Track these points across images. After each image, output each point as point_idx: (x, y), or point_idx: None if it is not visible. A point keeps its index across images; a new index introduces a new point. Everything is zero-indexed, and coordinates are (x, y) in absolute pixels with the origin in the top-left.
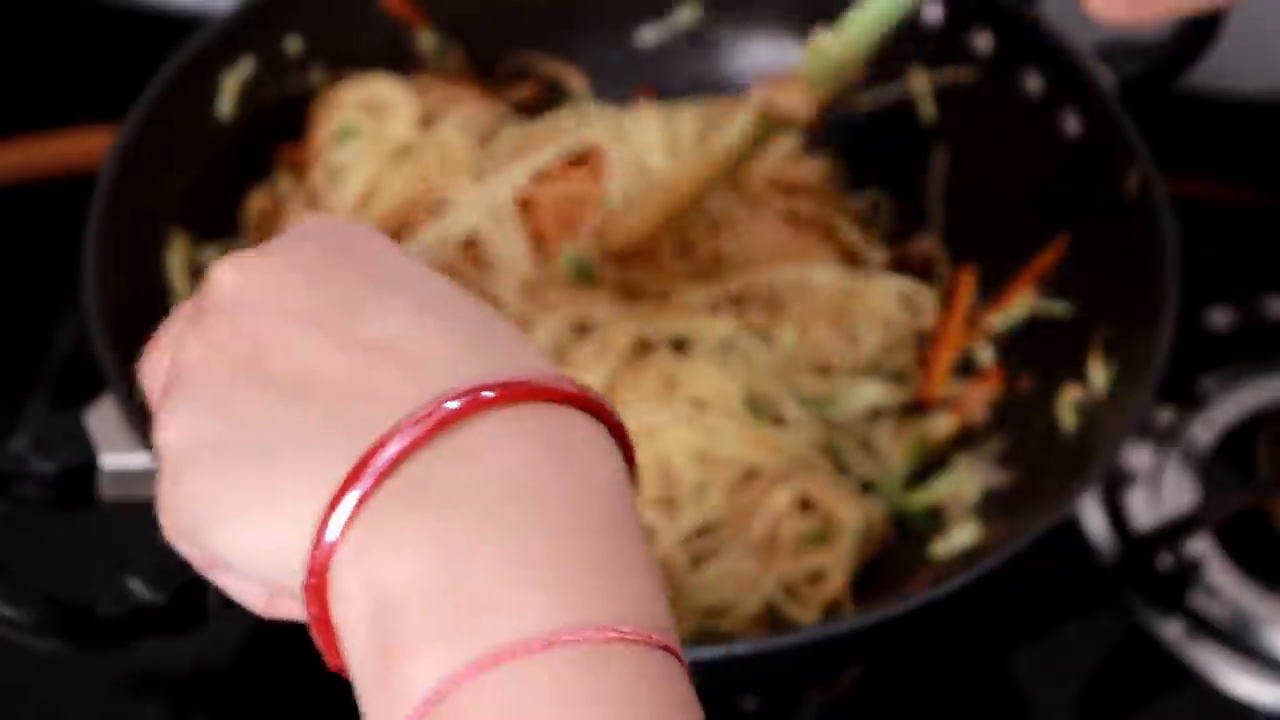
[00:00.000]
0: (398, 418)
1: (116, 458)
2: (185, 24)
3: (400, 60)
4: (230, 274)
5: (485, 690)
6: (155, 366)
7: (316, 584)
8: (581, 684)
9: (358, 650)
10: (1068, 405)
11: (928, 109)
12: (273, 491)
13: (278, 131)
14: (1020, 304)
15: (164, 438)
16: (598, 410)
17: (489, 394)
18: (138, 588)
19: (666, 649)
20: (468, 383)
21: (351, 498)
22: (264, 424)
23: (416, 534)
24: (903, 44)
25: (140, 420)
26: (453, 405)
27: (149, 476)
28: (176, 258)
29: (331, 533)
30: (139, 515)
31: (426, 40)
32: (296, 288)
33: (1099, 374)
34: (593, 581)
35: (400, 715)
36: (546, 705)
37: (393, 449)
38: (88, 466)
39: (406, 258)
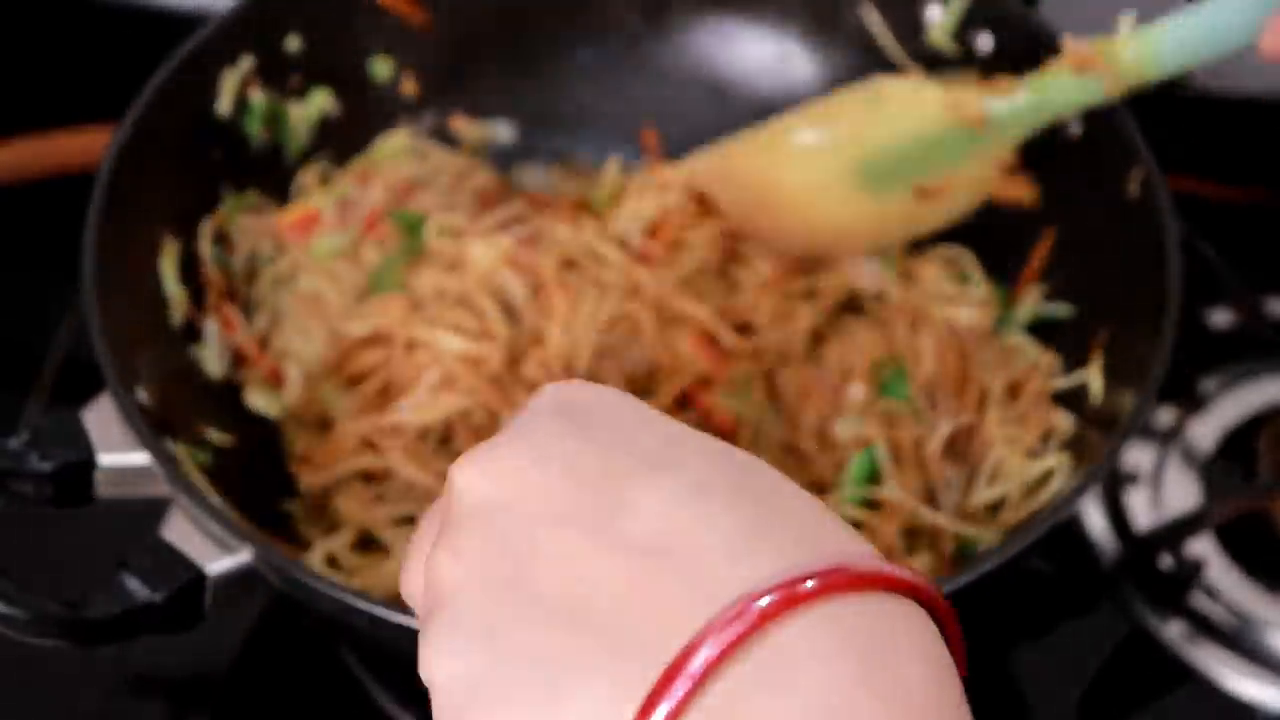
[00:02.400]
0: (689, 630)
1: (114, 456)
2: (185, 23)
3: (399, 59)
4: (474, 476)
5: None
6: (414, 579)
7: None
8: None
9: None
10: (1070, 405)
11: None
12: (550, 710)
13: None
14: (1026, 309)
15: (433, 677)
16: (918, 591)
17: (806, 585)
18: (134, 586)
19: None
20: (770, 578)
21: (661, 712)
22: (540, 654)
23: None
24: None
25: (137, 420)
26: (764, 603)
27: (145, 475)
28: (168, 262)
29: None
30: (136, 514)
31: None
32: (548, 483)
33: (1100, 374)
34: None
35: None
36: None
37: (703, 655)
38: (85, 465)
39: (663, 420)
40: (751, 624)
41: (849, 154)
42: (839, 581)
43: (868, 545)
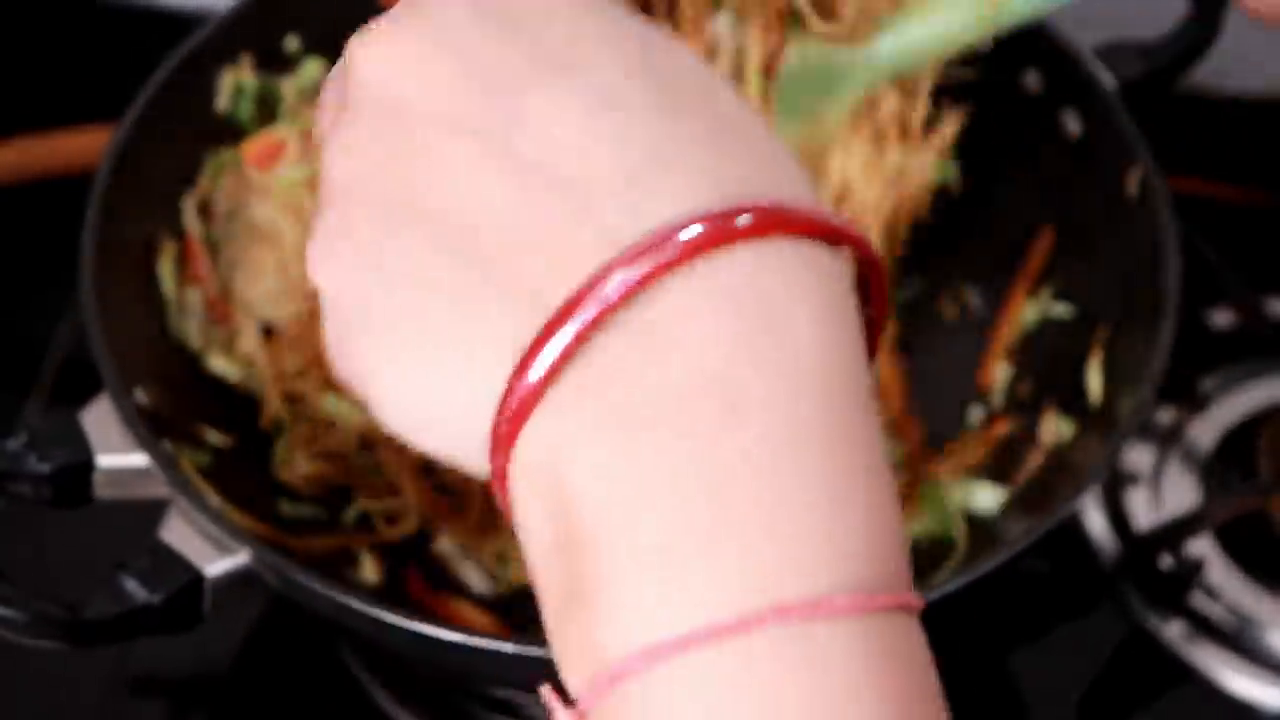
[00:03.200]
0: (578, 273)
1: (112, 457)
2: (185, 23)
3: None
4: (371, 59)
5: (685, 674)
6: (323, 117)
7: (507, 432)
8: (801, 678)
9: (538, 566)
10: (1069, 406)
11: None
12: (439, 351)
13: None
14: (1030, 310)
15: (320, 281)
16: (846, 238)
17: (739, 222)
18: (133, 587)
19: (901, 608)
20: (690, 212)
21: (566, 331)
22: (427, 283)
23: (618, 437)
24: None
25: (136, 421)
26: (689, 235)
27: (144, 476)
28: (167, 262)
29: (530, 376)
30: (135, 515)
31: None
32: (446, 77)
33: (1099, 374)
34: (813, 537)
35: (584, 675)
36: (759, 697)
37: (608, 289)
38: (84, 466)
39: (587, 7)
40: (672, 258)
41: None
42: (771, 222)
43: (807, 185)
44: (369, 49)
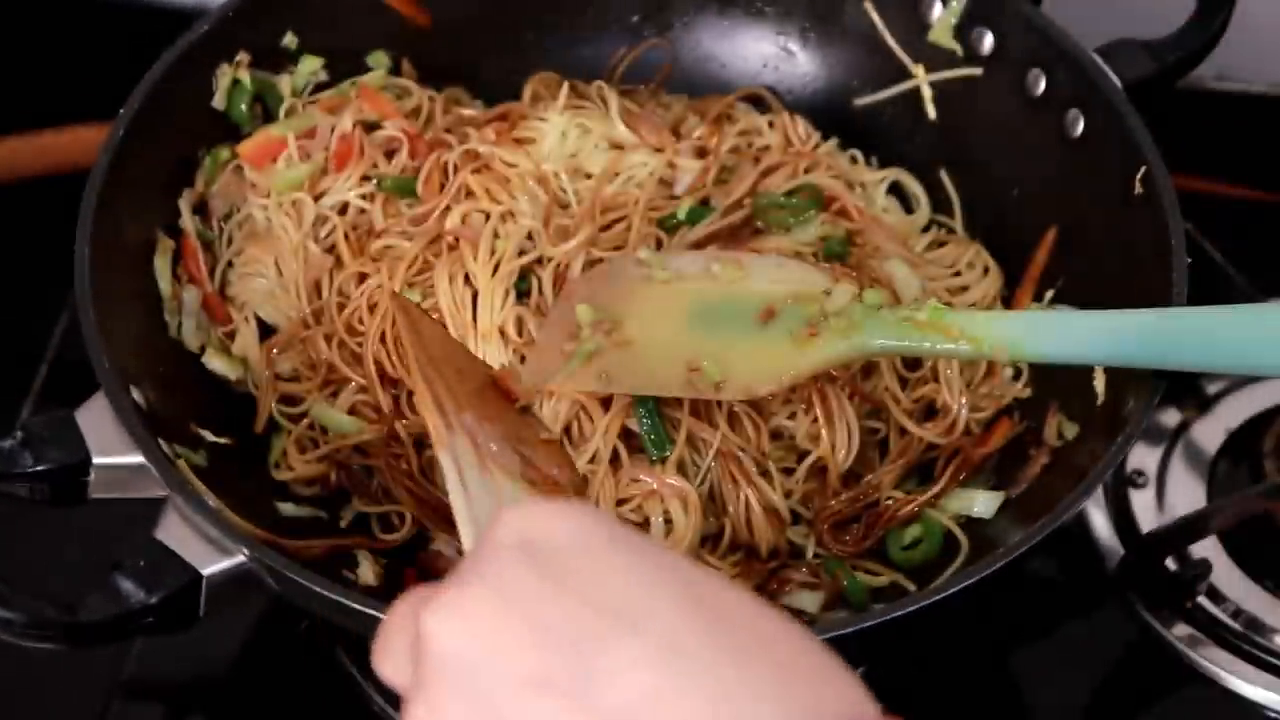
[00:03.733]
0: None
1: (108, 457)
2: (180, 19)
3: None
4: (444, 632)
5: None
6: (383, 661)
7: None
8: None
9: None
10: (1073, 407)
11: (930, 108)
12: None
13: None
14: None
15: None
16: None
17: None
18: (129, 588)
19: None
20: None
21: None
22: None
23: None
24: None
25: (131, 420)
26: None
27: (140, 475)
28: (162, 260)
29: None
30: (130, 515)
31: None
32: (520, 640)
33: (1103, 375)
34: None
35: None
36: None
37: None
38: (80, 466)
39: (633, 550)
40: None
41: (686, 295)
42: None
43: (860, 687)
44: (441, 621)
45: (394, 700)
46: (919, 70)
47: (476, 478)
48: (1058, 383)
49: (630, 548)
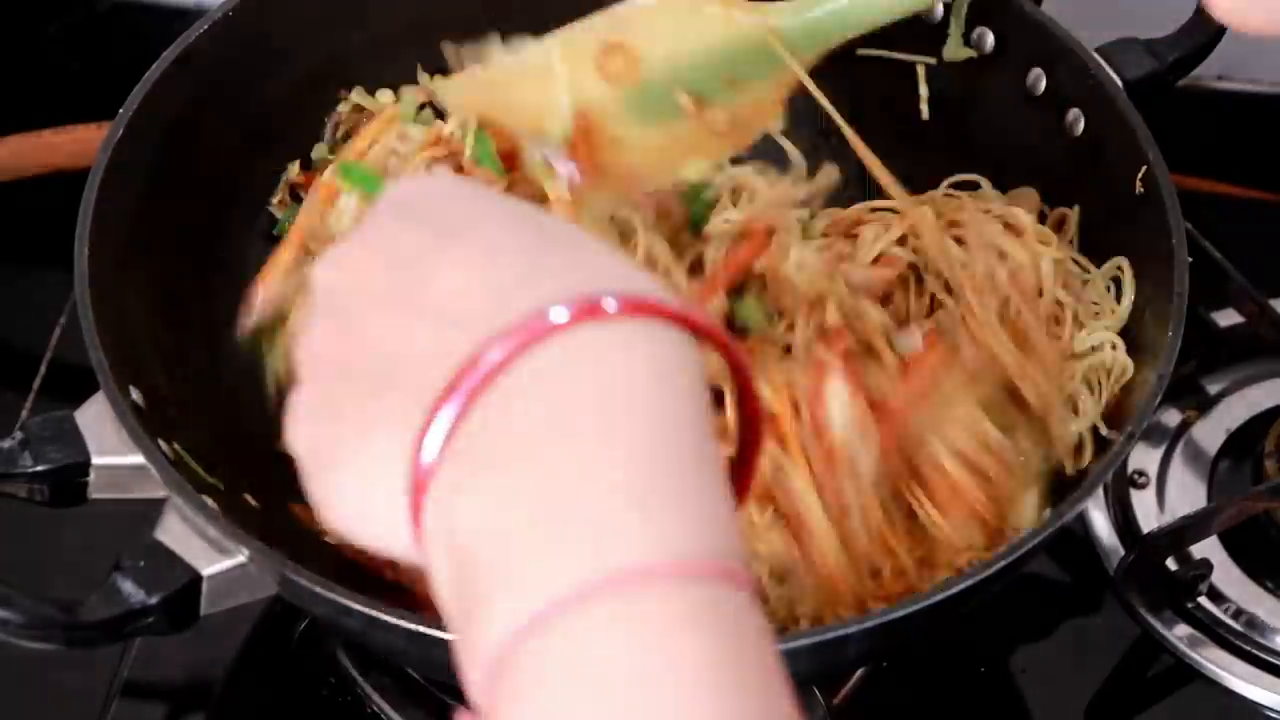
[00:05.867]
0: (455, 367)
1: (108, 457)
2: (180, 18)
3: (394, 58)
4: (321, 273)
5: (553, 639)
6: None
7: (415, 508)
8: (631, 638)
9: (448, 611)
10: (1074, 406)
11: (925, 107)
12: (366, 469)
13: (272, 125)
14: None
15: (291, 442)
16: (677, 317)
17: (605, 304)
18: (129, 588)
19: (725, 575)
20: (519, 316)
21: (445, 414)
22: (355, 417)
23: (487, 481)
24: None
25: (131, 420)
26: (555, 314)
27: (140, 476)
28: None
29: (425, 457)
30: (130, 516)
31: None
32: (373, 267)
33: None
34: (649, 519)
35: (478, 682)
36: (621, 649)
37: (485, 362)
38: (79, 466)
39: (477, 193)
40: (538, 331)
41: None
42: (630, 306)
43: (657, 283)
44: (320, 267)
45: (394, 700)
46: (918, 70)
47: None
48: None
49: (480, 191)
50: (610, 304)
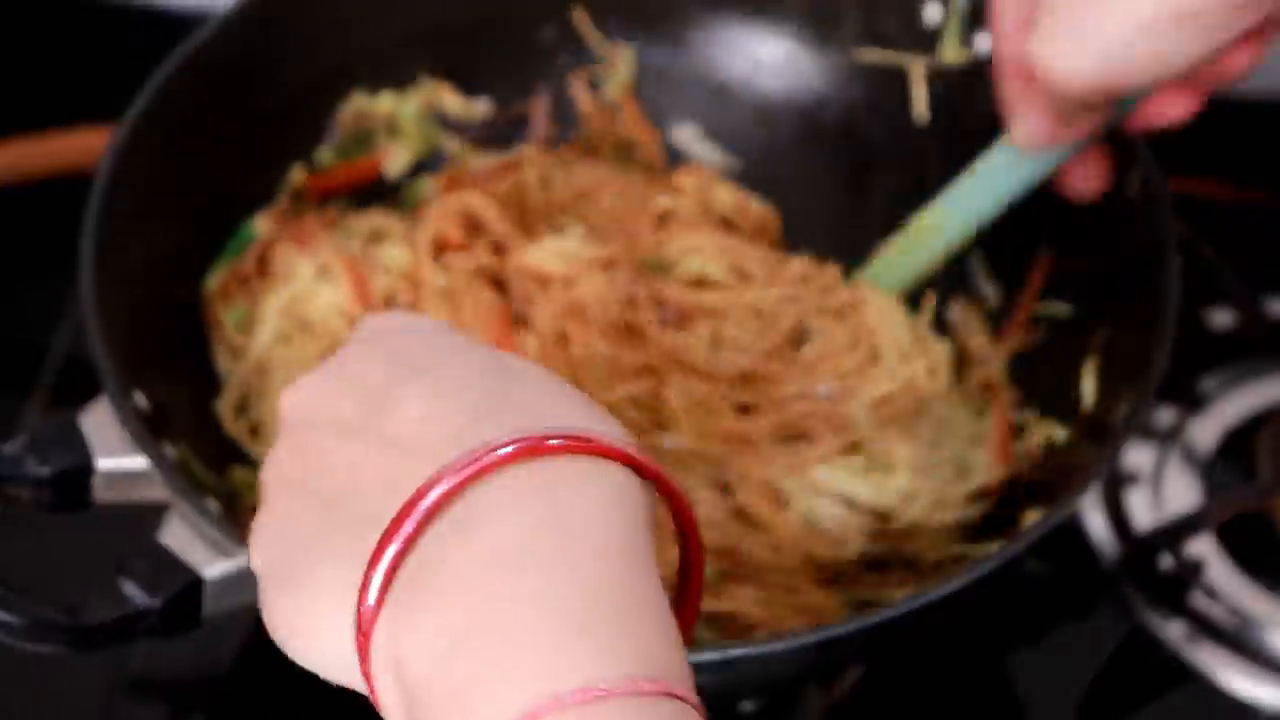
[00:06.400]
0: (404, 498)
1: (111, 460)
2: (184, 22)
3: (396, 61)
4: (291, 399)
5: None
6: None
7: (363, 641)
8: None
9: None
10: (1063, 411)
11: (922, 109)
12: (316, 598)
13: (276, 129)
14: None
15: (254, 559)
16: (632, 462)
17: (491, 457)
18: (132, 591)
19: (671, 695)
20: (467, 451)
21: (388, 554)
22: (308, 538)
23: (432, 615)
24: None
25: (135, 424)
26: (501, 452)
27: (143, 479)
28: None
29: (369, 597)
30: (133, 518)
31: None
32: (338, 397)
33: (1094, 376)
34: (594, 643)
35: None
36: None
37: (432, 495)
38: (83, 469)
39: (447, 335)
40: (484, 466)
41: None
42: (575, 444)
43: (615, 426)
44: (291, 392)
45: None
46: (916, 71)
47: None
48: (1048, 387)
49: (442, 331)
50: (556, 441)
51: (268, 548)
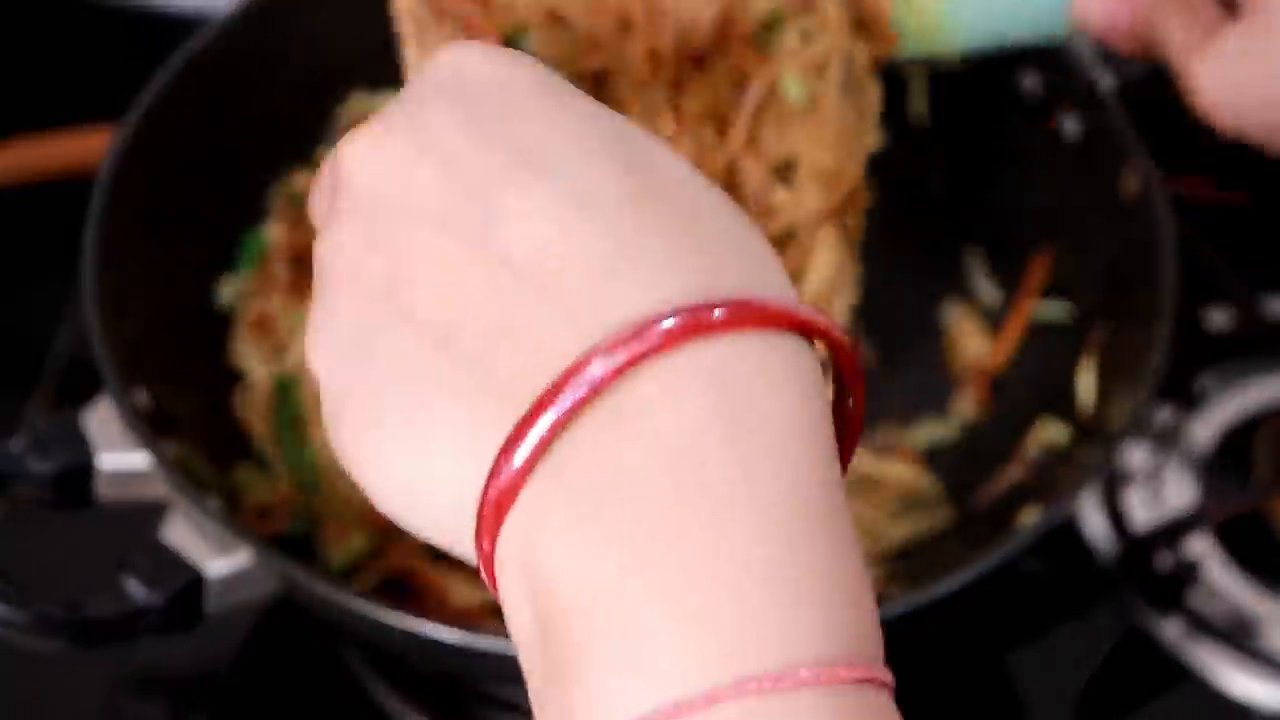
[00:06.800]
0: (553, 370)
1: (114, 458)
2: (185, 24)
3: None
4: (359, 160)
5: None
6: (316, 202)
7: (491, 519)
8: None
9: (521, 647)
10: (1062, 410)
11: (920, 108)
12: (426, 435)
13: (277, 131)
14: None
15: (315, 365)
16: (818, 331)
17: (714, 315)
18: (134, 588)
19: (868, 681)
20: (625, 322)
21: (543, 422)
22: (407, 376)
23: (595, 525)
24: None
25: (136, 421)
26: (667, 325)
27: (145, 477)
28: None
29: (515, 459)
30: (135, 516)
31: None
32: (429, 179)
33: (1091, 376)
34: (778, 614)
35: None
36: None
37: (586, 376)
38: (85, 467)
39: (564, 106)
40: (652, 346)
41: None
42: (743, 316)
43: (779, 274)
44: (357, 151)
45: (399, 697)
46: (916, 70)
47: (433, 31)
48: (1046, 386)
49: (561, 97)
50: (720, 313)
51: (336, 357)
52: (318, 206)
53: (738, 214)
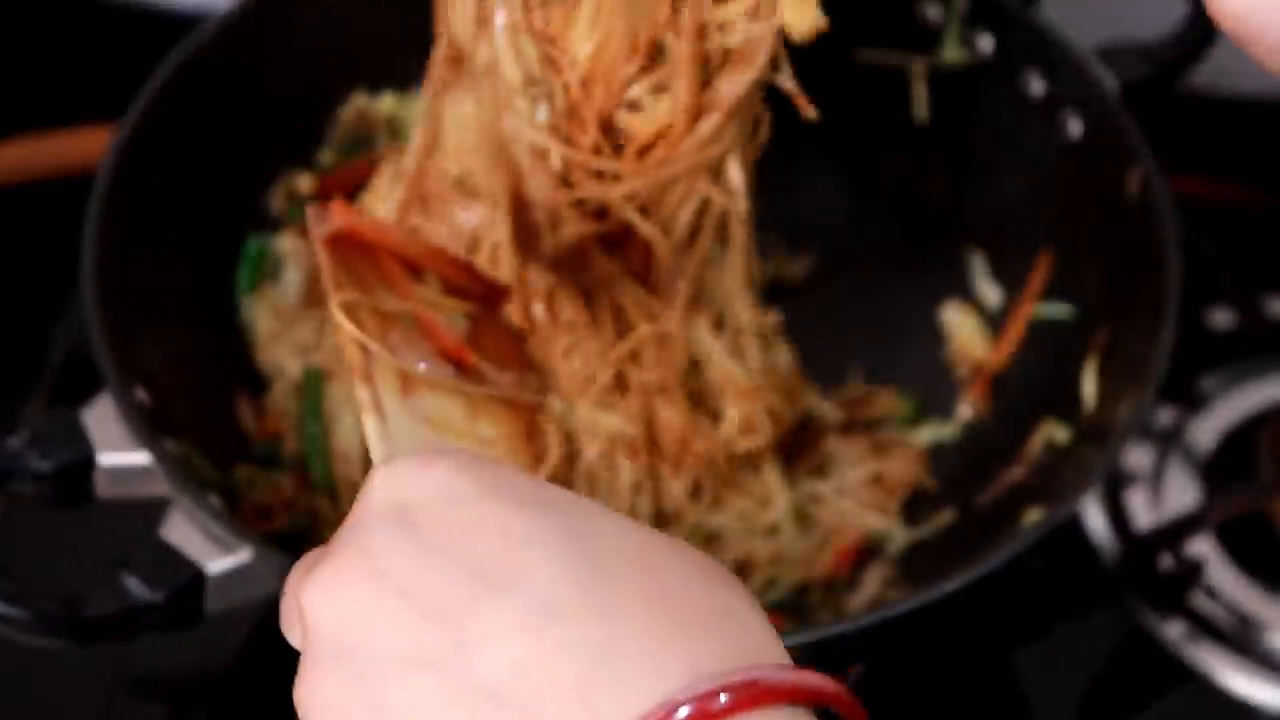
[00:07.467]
0: None
1: (114, 456)
2: (185, 22)
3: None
4: (321, 606)
5: None
6: (289, 618)
7: None
8: None
9: None
10: (1065, 411)
11: (922, 109)
12: None
13: (277, 129)
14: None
15: None
16: (824, 697)
17: (720, 702)
18: (134, 585)
19: None
20: (667, 696)
21: None
22: None
23: None
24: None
25: (136, 419)
26: None
27: (145, 474)
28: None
29: None
30: (135, 513)
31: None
32: (393, 614)
33: (1094, 377)
34: None
35: None
36: None
37: None
38: (85, 464)
39: (507, 506)
40: None
41: None
42: (753, 696)
43: (765, 631)
44: (316, 597)
45: None
46: (916, 70)
47: (396, 403)
48: (1049, 386)
49: (505, 496)
50: (723, 700)
51: None
52: (289, 632)
53: (706, 569)
